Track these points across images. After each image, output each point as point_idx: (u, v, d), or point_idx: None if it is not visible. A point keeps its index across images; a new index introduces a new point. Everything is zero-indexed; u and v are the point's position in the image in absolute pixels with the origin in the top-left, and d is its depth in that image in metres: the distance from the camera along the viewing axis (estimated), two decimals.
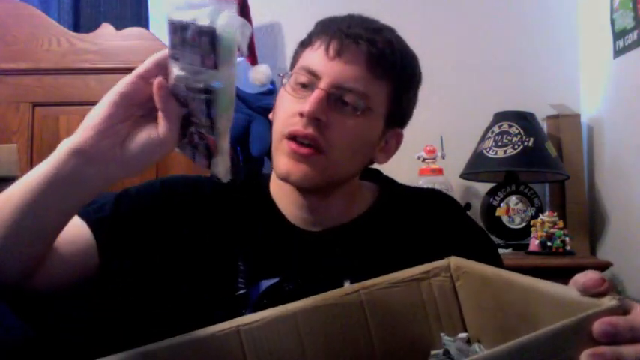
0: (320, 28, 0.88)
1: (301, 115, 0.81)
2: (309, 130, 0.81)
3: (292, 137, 0.82)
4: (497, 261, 0.92)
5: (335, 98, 0.83)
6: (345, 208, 0.92)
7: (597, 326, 0.48)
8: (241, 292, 0.86)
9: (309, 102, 0.81)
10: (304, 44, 0.90)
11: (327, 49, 0.83)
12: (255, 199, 0.92)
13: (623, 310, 0.50)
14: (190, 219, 0.90)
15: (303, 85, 0.84)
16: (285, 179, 0.85)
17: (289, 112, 0.84)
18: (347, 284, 0.82)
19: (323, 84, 0.82)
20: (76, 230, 0.82)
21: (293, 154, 0.83)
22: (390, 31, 0.89)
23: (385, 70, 0.85)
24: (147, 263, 0.88)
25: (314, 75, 0.84)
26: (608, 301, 0.50)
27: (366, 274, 0.71)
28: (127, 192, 0.92)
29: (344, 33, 0.84)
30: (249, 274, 0.86)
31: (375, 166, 0.97)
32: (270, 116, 0.92)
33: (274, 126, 0.88)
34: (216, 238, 0.89)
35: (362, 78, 0.83)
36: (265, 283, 0.85)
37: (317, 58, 0.84)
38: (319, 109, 0.81)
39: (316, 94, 0.81)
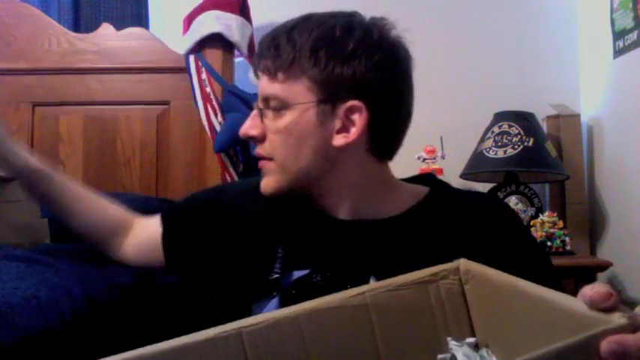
0: None
1: None
2: (257, 149, 0.93)
3: None
4: (546, 277, 0.81)
5: (264, 109, 0.91)
6: (380, 205, 0.92)
7: (605, 345, 0.47)
8: (275, 276, 0.90)
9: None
10: None
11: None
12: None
13: (633, 328, 0.49)
14: (240, 216, 1.00)
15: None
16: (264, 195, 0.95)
17: None
18: (372, 281, 0.82)
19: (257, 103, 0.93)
20: (152, 221, 1.08)
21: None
22: (292, 27, 0.89)
23: (285, 65, 0.88)
24: (201, 256, 1.02)
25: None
26: (618, 319, 0.48)
27: (393, 273, 0.71)
28: (195, 194, 1.11)
29: (255, 57, 0.93)
30: (286, 261, 0.90)
31: None
32: None
33: None
34: (260, 226, 0.96)
35: (271, 83, 0.89)
36: (297, 274, 0.89)
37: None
38: (249, 127, 0.93)
39: (250, 114, 0.93)
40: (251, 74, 2.02)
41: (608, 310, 0.50)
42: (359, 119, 0.88)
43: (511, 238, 0.90)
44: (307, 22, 0.89)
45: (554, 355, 0.45)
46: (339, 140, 0.89)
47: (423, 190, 0.97)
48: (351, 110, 0.87)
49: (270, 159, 0.91)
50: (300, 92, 0.88)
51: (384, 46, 0.89)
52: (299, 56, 0.87)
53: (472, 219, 0.91)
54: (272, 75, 0.89)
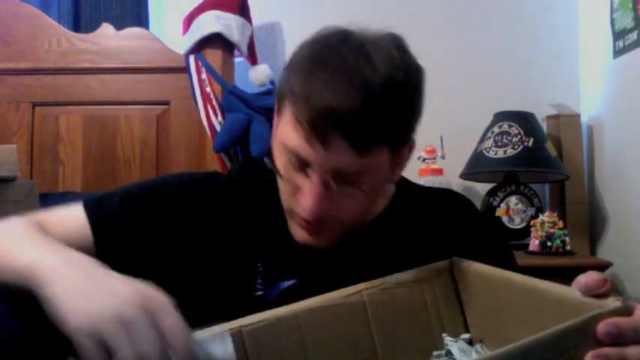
0: (298, 87, 0.77)
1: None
2: (316, 218, 0.79)
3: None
4: (510, 265, 0.89)
5: (333, 179, 0.77)
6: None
7: (601, 327, 0.48)
8: (259, 293, 0.85)
9: (307, 198, 0.77)
10: (285, 93, 0.80)
11: (307, 137, 0.75)
12: (271, 201, 0.89)
13: (627, 312, 0.50)
14: (208, 220, 0.89)
15: (297, 164, 0.79)
16: (305, 245, 0.84)
17: (290, 186, 0.81)
18: None
19: (316, 174, 0.77)
20: (76, 224, 0.84)
21: (306, 227, 0.82)
22: (377, 73, 0.74)
23: (377, 142, 0.77)
24: (150, 265, 0.85)
25: (303, 159, 0.78)
26: (612, 303, 0.50)
27: (382, 277, 0.71)
28: (137, 190, 0.91)
29: (321, 114, 0.73)
30: (268, 275, 0.86)
31: None
32: (272, 143, 0.86)
33: (279, 184, 0.84)
34: (235, 240, 0.89)
35: (354, 160, 0.75)
36: (282, 285, 0.85)
37: (300, 143, 0.76)
38: (320, 207, 0.77)
39: (313, 190, 0.77)
40: (251, 74, 2.02)
41: (602, 296, 0.51)
42: (407, 155, 0.86)
43: (484, 234, 0.93)
44: (383, 78, 0.74)
45: (552, 338, 0.46)
46: (397, 174, 0.87)
47: (389, 187, 0.95)
48: (409, 148, 0.86)
49: (334, 220, 0.81)
50: (380, 160, 0.78)
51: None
52: (391, 124, 0.76)
53: (444, 215, 0.92)
54: (362, 150, 0.75)
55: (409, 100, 0.80)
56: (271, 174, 0.91)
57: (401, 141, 0.81)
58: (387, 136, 0.77)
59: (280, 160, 0.82)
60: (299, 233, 0.84)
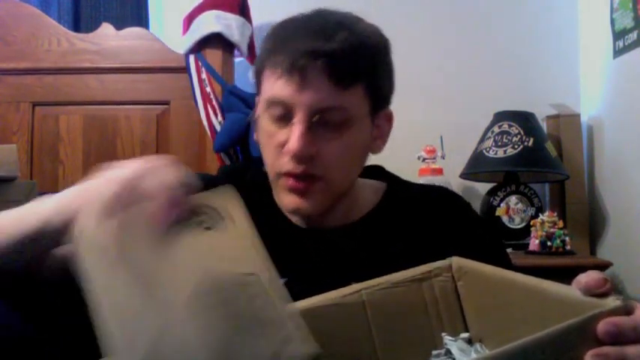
0: (272, 46, 0.85)
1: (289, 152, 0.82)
2: (302, 168, 0.82)
3: (287, 175, 0.84)
4: (504, 261, 0.90)
5: (316, 122, 0.81)
6: (348, 208, 0.91)
7: (602, 326, 0.48)
8: None
9: (293, 140, 0.80)
10: (262, 62, 0.86)
11: (289, 80, 0.80)
12: (262, 200, 0.91)
13: (627, 311, 0.50)
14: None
15: (281, 116, 0.83)
16: (294, 214, 0.86)
17: (275, 145, 0.84)
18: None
19: (299, 115, 0.80)
20: None
21: (294, 190, 0.84)
22: (345, 25, 0.83)
23: (353, 76, 0.82)
24: None
25: (287, 105, 0.82)
26: (612, 302, 0.50)
27: (374, 275, 0.71)
28: None
29: (299, 54, 0.79)
30: None
31: (376, 159, 0.96)
32: (255, 137, 0.91)
33: (265, 157, 0.87)
34: None
35: (334, 95, 0.80)
36: None
37: (282, 88, 0.81)
38: (305, 146, 0.80)
39: (297, 130, 0.80)
40: (251, 74, 2.02)
41: (602, 295, 0.51)
42: (387, 126, 0.91)
43: (474, 233, 0.93)
44: (351, 28, 0.82)
45: (552, 337, 0.46)
46: (378, 146, 0.90)
47: (380, 185, 0.96)
48: (385, 116, 0.90)
49: (319, 178, 0.83)
50: (357, 102, 0.83)
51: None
52: (365, 62, 0.82)
53: (436, 215, 0.92)
54: (340, 83, 0.80)
55: (375, 50, 0.85)
56: (263, 175, 0.92)
57: (374, 89, 0.85)
58: (361, 73, 0.82)
59: (265, 124, 0.85)
60: (288, 201, 0.85)
